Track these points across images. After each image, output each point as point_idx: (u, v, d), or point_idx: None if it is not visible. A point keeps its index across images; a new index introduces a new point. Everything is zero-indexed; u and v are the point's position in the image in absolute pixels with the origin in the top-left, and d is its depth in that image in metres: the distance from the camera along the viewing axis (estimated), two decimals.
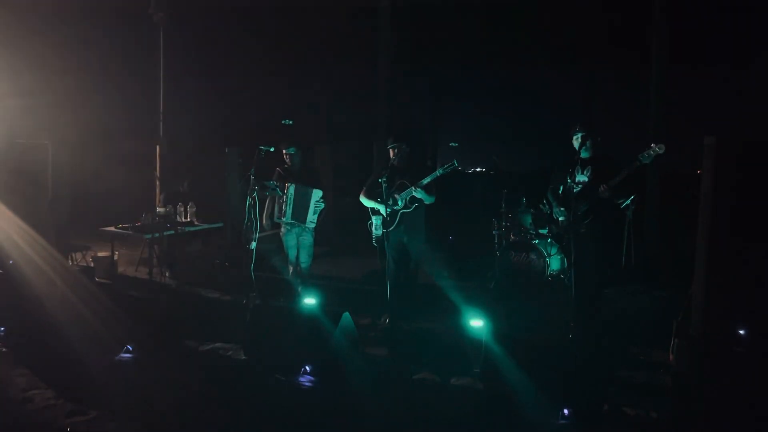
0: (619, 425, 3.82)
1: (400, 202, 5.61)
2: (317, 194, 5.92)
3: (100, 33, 9.14)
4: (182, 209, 7.25)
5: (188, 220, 7.18)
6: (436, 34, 9.28)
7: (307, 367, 4.46)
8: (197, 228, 7.22)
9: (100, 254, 7.42)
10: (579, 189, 4.97)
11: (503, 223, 7.11)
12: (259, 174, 5.94)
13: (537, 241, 6.72)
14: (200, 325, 5.69)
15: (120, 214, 7.27)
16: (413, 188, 5.51)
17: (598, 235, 5.01)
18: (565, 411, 3.73)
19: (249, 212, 5.89)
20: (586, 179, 5.03)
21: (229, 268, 7.74)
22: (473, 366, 4.28)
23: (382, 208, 5.50)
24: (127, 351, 4.79)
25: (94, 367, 4.51)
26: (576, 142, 5.07)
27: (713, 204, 4.17)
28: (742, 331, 4.15)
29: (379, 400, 4.24)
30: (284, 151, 6.07)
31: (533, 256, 6.71)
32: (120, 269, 7.74)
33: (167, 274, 7.41)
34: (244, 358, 4.83)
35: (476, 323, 5.04)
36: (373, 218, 5.78)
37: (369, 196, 5.79)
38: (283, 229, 6.17)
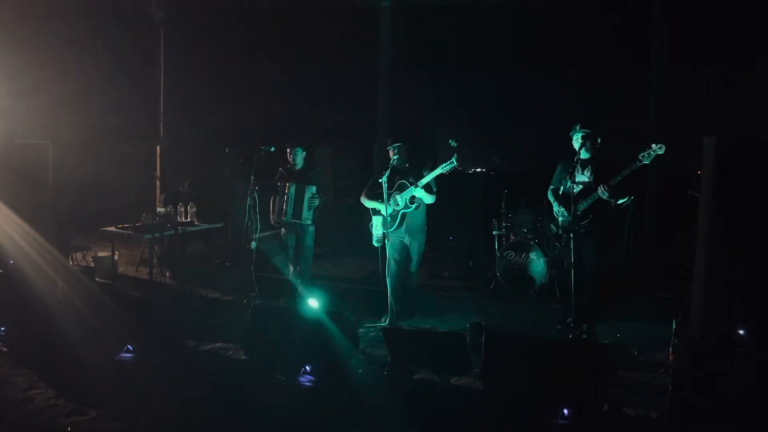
0: (619, 425, 3.83)
1: (400, 202, 5.62)
2: (310, 190, 5.97)
3: (101, 33, 9.15)
4: (182, 209, 7.25)
5: (188, 220, 7.17)
6: (436, 34, 9.27)
7: (307, 367, 4.46)
8: (197, 228, 7.22)
9: (100, 254, 7.41)
10: (579, 189, 4.98)
11: (503, 224, 7.12)
12: (259, 174, 5.96)
13: (537, 241, 6.73)
14: (200, 325, 5.70)
15: (120, 214, 7.26)
16: (413, 188, 5.52)
17: (597, 235, 5.02)
18: (565, 411, 3.73)
19: (249, 212, 5.90)
20: (586, 179, 5.04)
21: (230, 268, 7.75)
22: (473, 366, 4.28)
23: (382, 209, 5.51)
24: (127, 351, 4.79)
25: (94, 367, 4.51)
26: (576, 142, 5.08)
27: (713, 204, 4.17)
28: (741, 332, 4.15)
29: (379, 400, 4.24)
30: (288, 150, 6.09)
31: (533, 256, 6.72)
32: (120, 269, 7.74)
33: (167, 274, 7.41)
34: (244, 358, 4.84)
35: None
36: (374, 219, 5.79)
37: (370, 197, 5.80)
38: (283, 229, 6.18)
